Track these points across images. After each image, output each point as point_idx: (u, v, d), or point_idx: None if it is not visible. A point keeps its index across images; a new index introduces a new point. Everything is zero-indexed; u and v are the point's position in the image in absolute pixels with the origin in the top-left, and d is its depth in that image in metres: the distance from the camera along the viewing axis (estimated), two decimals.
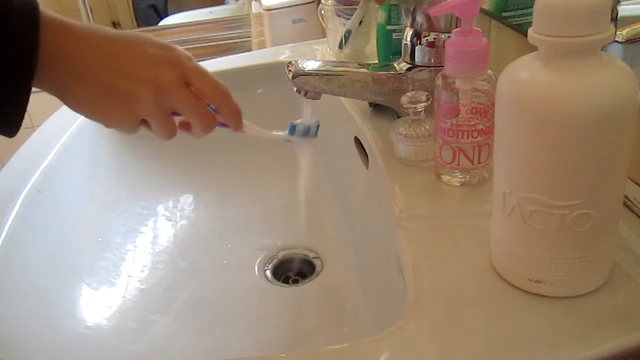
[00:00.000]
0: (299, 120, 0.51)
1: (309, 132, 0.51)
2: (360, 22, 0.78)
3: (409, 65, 0.56)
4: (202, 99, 0.45)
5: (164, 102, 0.43)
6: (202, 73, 0.45)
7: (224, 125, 0.48)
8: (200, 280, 0.66)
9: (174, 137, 0.47)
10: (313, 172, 0.83)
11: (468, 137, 0.46)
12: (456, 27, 0.45)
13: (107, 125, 0.44)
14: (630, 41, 0.43)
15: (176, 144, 0.81)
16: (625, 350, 0.32)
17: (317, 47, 0.92)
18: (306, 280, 0.65)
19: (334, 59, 0.81)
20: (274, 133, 0.51)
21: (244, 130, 0.49)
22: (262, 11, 1.44)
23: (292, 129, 0.51)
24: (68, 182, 0.65)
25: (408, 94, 0.53)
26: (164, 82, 0.42)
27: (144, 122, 0.45)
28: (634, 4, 0.44)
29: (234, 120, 0.47)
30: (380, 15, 0.66)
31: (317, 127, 0.51)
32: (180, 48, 0.45)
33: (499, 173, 0.36)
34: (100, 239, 0.66)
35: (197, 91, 0.44)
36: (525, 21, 0.57)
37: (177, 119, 0.46)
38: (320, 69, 0.55)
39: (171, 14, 2.09)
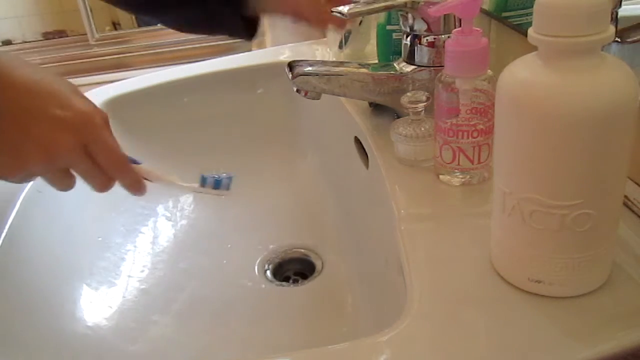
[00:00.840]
0: (211, 173, 0.51)
1: (220, 185, 0.51)
2: (360, 22, 0.78)
3: (409, 65, 0.56)
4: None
5: (56, 164, 0.43)
6: (104, 144, 0.44)
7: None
8: (200, 280, 0.66)
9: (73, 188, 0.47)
10: (313, 172, 0.83)
11: (468, 137, 0.46)
12: (455, 27, 0.45)
13: None
14: (630, 41, 0.43)
15: (176, 143, 0.82)
16: (626, 350, 0.32)
17: (317, 47, 0.92)
18: (306, 280, 0.65)
19: (334, 59, 0.81)
20: (184, 185, 0.51)
21: (146, 189, 0.49)
22: None
23: (203, 181, 0.51)
24: None
25: (408, 94, 0.53)
26: (59, 147, 0.41)
27: None
28: (634, 4, 0.44)
29: (133, 189, 0.48)
30: (380, 15, 0.66)
31: (230, 180, 0.51)
32: (99, 111, 0.44)
33: (499, 173, 0.36)
34: (100, 239, 0.66)
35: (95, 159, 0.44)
36: (525, 21, 0.57)
37: None
38: (320, 69, 0.55)
39: None
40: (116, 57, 1.99)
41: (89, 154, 0.43)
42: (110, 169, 0.45)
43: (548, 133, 0.31)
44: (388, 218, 0.48)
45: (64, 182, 0.45)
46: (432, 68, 0.55)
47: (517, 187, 0.34)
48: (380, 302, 0.53)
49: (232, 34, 0.64)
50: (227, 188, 0.51)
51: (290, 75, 0.55)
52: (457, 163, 0.48)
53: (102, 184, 0.46)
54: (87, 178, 0.45)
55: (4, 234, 0.51)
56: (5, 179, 0.43)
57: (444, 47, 0.49)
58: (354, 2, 0.57)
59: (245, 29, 0.62)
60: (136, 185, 0.48)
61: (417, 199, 0.48)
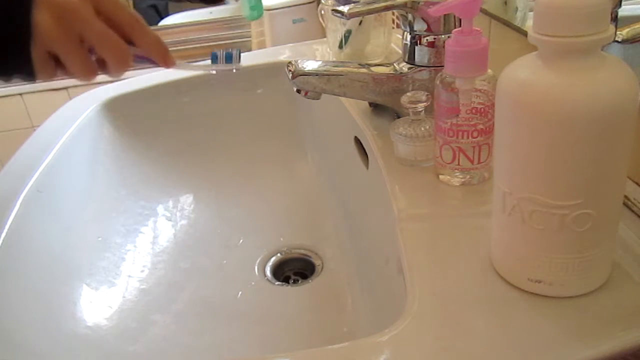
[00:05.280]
0: (220, 50, 0.51)
1: (231, 58, 0.51)
2: (360, 22, 0.78)
3: (409, 65, 0.56)
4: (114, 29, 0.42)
5: (70, 28, 0.41)
6: (114, 1, 0.42)
7: (151, 61, 0.46)
8: (200, 280, 0.66)
9: (94, 77, 0.44)
10: (313, 172, 0.83)
11: (468, 137, 0.46)
12: (455, 27, 0.45)
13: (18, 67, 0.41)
14: (630, 41, 0.43)
15: (176, 143, 0.82)
16: (625, 350, 0.32)
17: (317, 47, 0.92)
18: (306, 280, 0.65)
19: (334, 59, 0.81)
20: (198, 65, 0.51)
21: (175, 65, 0.46)
22: (262, 3, 1.44)
23: (214, 58, 0.51)
24: (68, 182, 0.65)
25: (408, 94, 0.53)
26: (68, 5, 0.40)
27: (59, 63, 0.42)
28: (634, 4, 0.44)
29: (156, 51, 0.45)
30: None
31: (239, 53, 0.51)
32: None
33: (499, 173, 0.36)
34: (100, 239, 0.66)
35: (106, 20, 0.42)
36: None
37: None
38: (320, 69, 0.55)
39: (171, 14, 2.09)
40: None
41: (101, 13, 0.42)
42: (124, 23, 0.43)
43: (548, 133, 0.31)
44: (388, 218, 0.48)
45: (82, 59, 0.43)
46: (432, 68, 0.55)
47: (517, 187, 0.34)
48: (380, 302, 0.53)
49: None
50: (239, 60, 0.51)
51: (290, 75, 0.55)
52: (457, 163, 0.48)
53: (118, 52, 0.43)
54: (102, 44, 0.42)
55: (4, 234, 0.51)
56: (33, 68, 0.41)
57: (444, 47, 0.49)
58: (354, 2, 0.57)
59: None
60: (159, 47, 0.45)
61: (417, 199, 0.48)
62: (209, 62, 0.51)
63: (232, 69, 0.51)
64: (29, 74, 0.42)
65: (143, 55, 0.45)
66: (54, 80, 0.44)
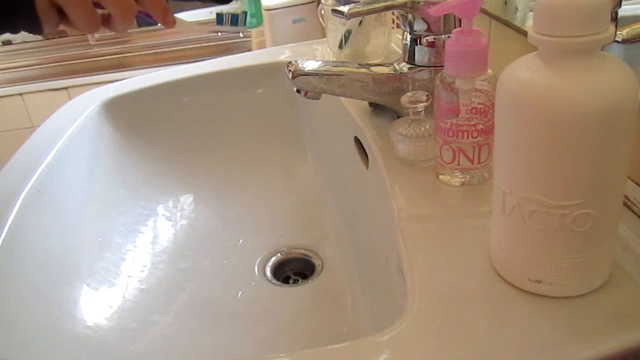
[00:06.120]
0: (225, 10, 0.49)
1: (237, 21, 0.49)
2: (360, 22, 0.78)
3: (409, 65, 0.56)
4: None
5: None
6: None
7: (150, 17, 0.45)
8: (200, 280, 0.66)
9: (97, 30, 0.44)
10: (313, 172, 0.83)
11: (468, 137, 0.46)
12: (455, 27, 0.45)
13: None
14: (630, 41, 0.43)
15: (176, 143, 0.82)
16: (626, 350, 0.32)
17: (317, 47, 0.92)
18: (306, 280, 0.65)
19: (334, 59, 0.81)
20: (202, 24, 0.50)
21: (175, 25, 0.45)
22: (262, 11, 1.44)
23: (220, 19, 0.49)
24: (68, 182, 0.65)
25: (408, 94, 0.53)
26: None
27: (64, 16, 0.42)
28: (634, 4, 0.44)
29: (157, 8, 0.44)
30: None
31: (245, 15, 0.50)
32: None
33: (499, 173, 0.36)
34: (100, 239, 0.66)
35: None
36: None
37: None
38: (320, 69, 0.55)
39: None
40: (116, 57, 1.99)
41: None
42: None
43: (548, 133, 0.31)
44: (388, 218, 0.48)
45: (87, 12, 0.42)
46: (432, 68, 0.55)
47: (517, 187, 0.34)
48: (380, 302, 0.53)
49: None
50: (244, 24, 0.50)
51: (290, 75, 0.55)
52: (457, 163, 0.48)
53: (123, 4, 0.42)
54: None
55: (4, 234, 0.51)
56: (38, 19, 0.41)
57: (444, 47, 0.49)
58: (354, 2, 0.57)
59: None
60: (160, 5, 0.44)
61: (417, 199, 0.48)
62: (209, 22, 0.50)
63: (238, 32, 0.50)
64: (34, 26, 0.42)
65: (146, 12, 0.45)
66: (58, 29, 0.43)
